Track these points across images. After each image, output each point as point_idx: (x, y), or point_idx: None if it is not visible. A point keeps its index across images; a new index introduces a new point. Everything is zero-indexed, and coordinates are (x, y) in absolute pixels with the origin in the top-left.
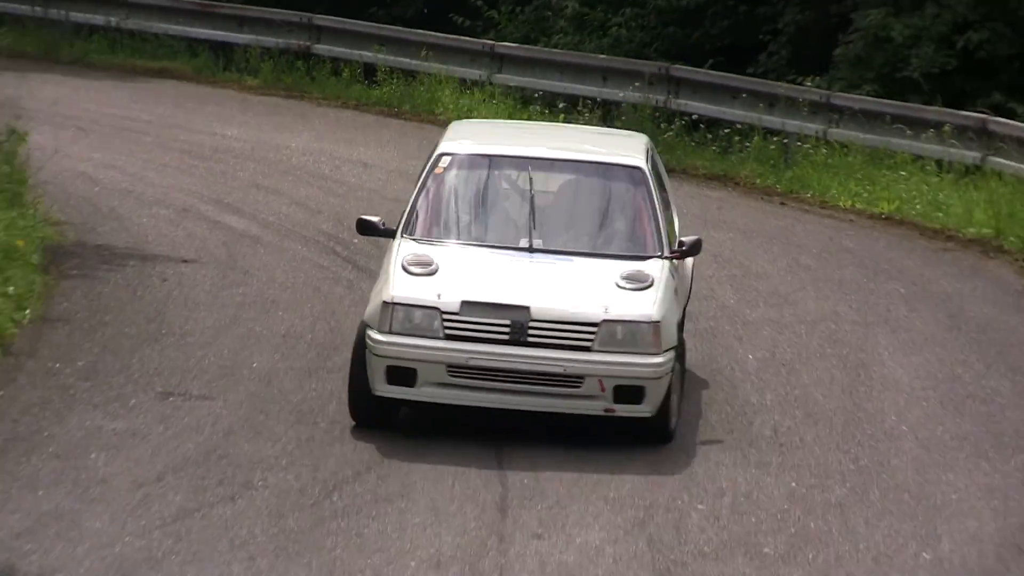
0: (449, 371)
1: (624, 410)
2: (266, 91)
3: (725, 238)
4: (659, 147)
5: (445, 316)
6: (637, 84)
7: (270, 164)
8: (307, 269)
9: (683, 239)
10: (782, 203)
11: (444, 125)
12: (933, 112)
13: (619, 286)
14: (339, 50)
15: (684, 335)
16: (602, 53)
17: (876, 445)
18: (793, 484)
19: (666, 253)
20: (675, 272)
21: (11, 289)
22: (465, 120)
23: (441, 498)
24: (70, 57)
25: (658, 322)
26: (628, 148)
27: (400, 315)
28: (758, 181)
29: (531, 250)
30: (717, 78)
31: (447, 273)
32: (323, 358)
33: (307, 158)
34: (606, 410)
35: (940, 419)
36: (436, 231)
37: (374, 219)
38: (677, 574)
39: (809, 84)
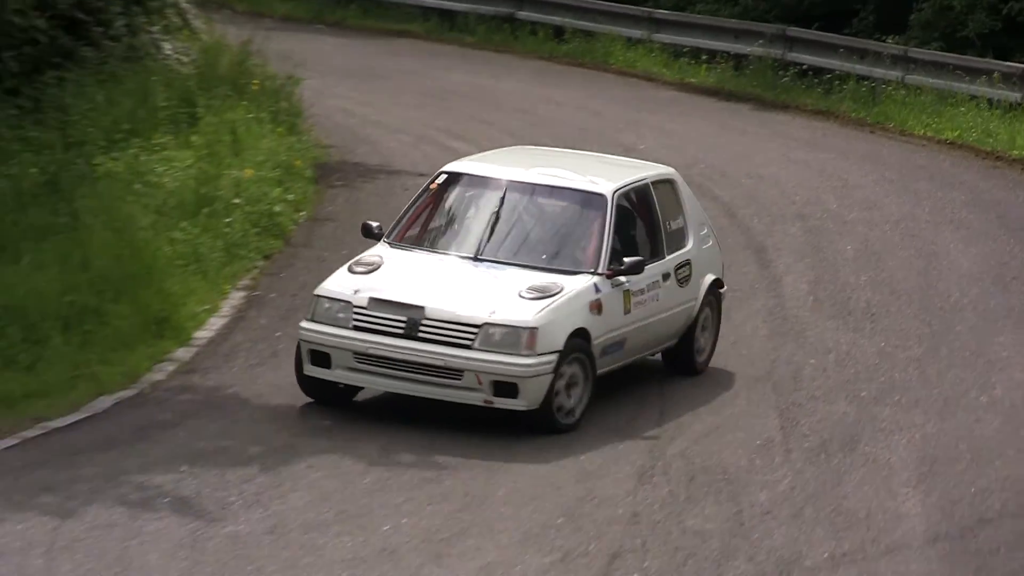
0: (355, 357)
1: (502, 403)
2: (480, 47)
3: (828, 158)
4: (776, 90)
5: (355, 310)
6: (761, 42)
7: (484, 102)
8: None
9: (626, 259)
10: (871, 132)
11: (617, 74)
12: (984, 63)
13: (520, 295)
14: (536, 16)
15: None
16: (734, 18)
17: (944, 315)
18: (882, 344)
19: (600, 271)
20: (604, 288)
21: (291, 196)
22: (526, 146)
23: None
24: (332, 20)
25: (535, 328)
26: (612, 177)
27: (323, 306)
28: (852, 115)
29: (476, 259)
30: (822, 36)
31: (381, 273)
32: None
33: (512, 98)
34: (485, 401)
35: (992, 295)
36: (408, 238)
37: (374, 224)
38: (795, 412)
39: (891, 41)
